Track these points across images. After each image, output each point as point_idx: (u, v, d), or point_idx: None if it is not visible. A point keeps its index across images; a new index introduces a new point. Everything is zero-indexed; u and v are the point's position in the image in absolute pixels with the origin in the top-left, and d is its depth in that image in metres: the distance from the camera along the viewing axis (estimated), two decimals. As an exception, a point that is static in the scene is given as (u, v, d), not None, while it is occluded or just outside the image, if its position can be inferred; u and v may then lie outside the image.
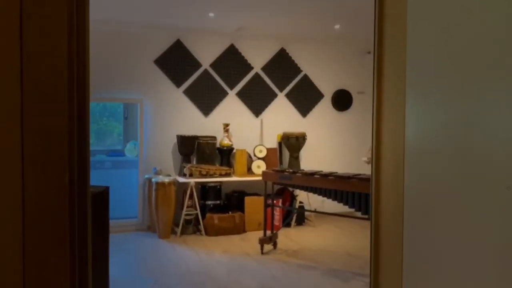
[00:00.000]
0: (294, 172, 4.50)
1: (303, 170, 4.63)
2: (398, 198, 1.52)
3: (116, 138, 6.83)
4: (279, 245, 5.12)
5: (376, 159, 1.67)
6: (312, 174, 4.34)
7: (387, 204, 1.61)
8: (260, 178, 5.83)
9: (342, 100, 6.95)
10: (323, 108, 6.86)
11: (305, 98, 6.74)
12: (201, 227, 5.66)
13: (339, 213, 5.14)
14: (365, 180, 3.90)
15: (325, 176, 4.22)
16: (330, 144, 6.90)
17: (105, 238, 1.98)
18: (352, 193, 4.06)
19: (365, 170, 6.06)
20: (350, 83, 6.97)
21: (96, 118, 6.69)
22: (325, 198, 4.41)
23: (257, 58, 6.46)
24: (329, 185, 4.19)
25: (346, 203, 4.14)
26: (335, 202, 4.28)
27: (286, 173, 4.57)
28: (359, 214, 4.18)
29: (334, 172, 4.35)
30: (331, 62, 6.86)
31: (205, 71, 6.20)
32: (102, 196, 1.88)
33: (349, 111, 7.01)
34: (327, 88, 6.87)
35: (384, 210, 1.64)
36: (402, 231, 1.51)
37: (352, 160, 6.96)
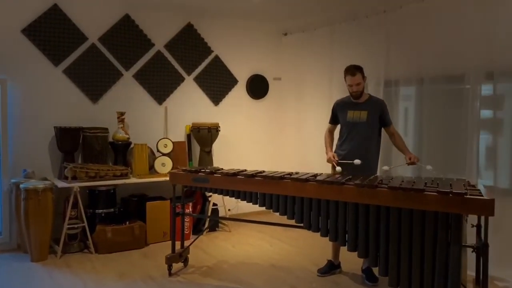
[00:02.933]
0: (211, 173, 3.56)
1: (222, 169, 3.71)
2: None
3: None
4: (190, 260, 4.15)
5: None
6: (234, 174, 3.44)
7: None
8: (165, 178, 4.80)
9: (258, 87, 6.14)
10: (238, 95, 6.00)
11: (217, 84, 5.80)
12: (90, 243, 4.45)
13: (261, 217, 4.32)
14: (301, 180, 3.10)
15: (251, 176, 3.35)
16: (247, 136, 6.06)
17: None
18: (285, 197, 3.24)
19: (292, 166, 5.34)
20: (266, 67, 6.20)
21: None
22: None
23: (159, 33, 5.36)
24: (256, 188, 3.33)
25: (277, 210, 3.31)
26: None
27: (201, 173, 3.61)
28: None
29: (260, 172, 3.50)
30: (246, 42, 6.01)
31: (93, 45, 4.94)
32: None
33: (266, 98, 6.23)
34: (241, 73, 6.01)
35: None
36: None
37: (273, 154, 6.22)
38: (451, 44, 4.04)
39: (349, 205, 2.95)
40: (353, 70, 3.66)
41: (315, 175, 3.29)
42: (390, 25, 4.61)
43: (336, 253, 3.97)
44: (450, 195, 2.58)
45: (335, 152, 3.84)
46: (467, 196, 2.54)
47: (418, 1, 4.26)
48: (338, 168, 3.46)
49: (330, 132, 3.99)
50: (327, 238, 3.10)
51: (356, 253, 2.95)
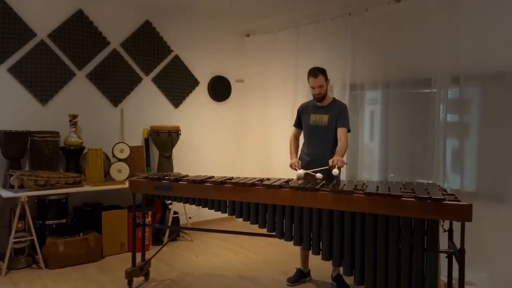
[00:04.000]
0: (176, 180, 3.32)
1: (187, 176, 3.49)
2: None
3: None
4: (152, 273, 3.88)
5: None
6: (202, 181, 3.22)
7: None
8: (122, 186, 4.52)
9: (220, 89, 5.95)
10: (199, 98, 5.77)
11: (177, 85, 5.55)
12: (39, 257, 4.07)
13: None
14: (275, 187, 2.95)
15: (220, 183, 3.15)
16: (208, 140, 5.85)
17: None
18: (256, 205, 3.07)
19: (255, 171, 5.18)
20: (228, 69, 6.01)
21: None
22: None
23: (115, 30, 5.04)
24: (225, 195, 3.14)
25: (247, 218, 3.14)
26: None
27: (164, 181, 3.36)
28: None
29: (229, 178, 3.31)
30: (207, 42, 5.79)
31: (42, 42, 4.55)
32: None
33: (229, 101, 6.04)
34: (202, 74, 5.79)
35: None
36: None
37: (235, 159, 6.03)
38: (417, 47, 4.03)
39: (323, 212, 2.83)
40: (315, 72, 3.57)
41: (288, 181, 3.15)
42: (355, 28, 4.57)
43: (305, 261, 3.85)
44: (429, 201, 2.52)
45: (299, 156, 3.74)
46: (446, 202, 2.49)
47: (383, 4, 4.24)
48: (319, 175, 3.25)
49: (296, 137, 3.86)
50: (293, 245, 2.97)
51: (331, 261, 2.84)
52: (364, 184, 3.01)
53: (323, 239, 2.85)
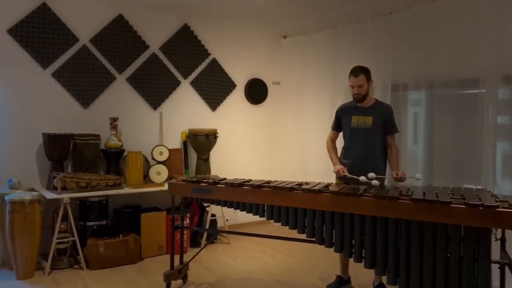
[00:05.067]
0: (214, 183, 3.30)
1: (224, 179, 3.46)
2: None
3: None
4: (190, 276, 3.88)
5: None
6: (240, 185, 3.18)
7: None
8: (161, 188, 4.55)
9: (256, 91, 5.91)
10: (236, 100, 5.75)
11: (214, 88, 5.55)
12: (80, 258, 4.15)
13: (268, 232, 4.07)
14: (314, 192, 2.87)
15: (258, 187, 3.10)
16: (245, 142, 5.82)
17: None
18: (295, 209, 3.00)
19: (291, 174, 5.10)
20: (265, 71, 5.97)
21: None
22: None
23: (154, 34, 5.10)
24: (263, 199, 3.08)
25: (286, 223, 3.07)
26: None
27: (203, 184, 3.34)
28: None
29: (267, 182, 3.25)
30: (244, 45, 5.78)
31: (84, 47, 4.66)
32: None
33: (265, 103, 6.00)
34: (239, 77, 5.77)
35: None
36: None
37: (272, 161, 5.98)
38: (463, 46, 3.85)
39: (366, 219, 2.72)
40: (356, 71, 3.45)
41: (327, 185, 3.06)
42: (397, 27, 4.41)
43: (345, 267, 3.73)
44: (481, 208, 2.37)
45: (339, 162, 3.61)
46: (500, 209, 2.33)
47: (427, 1, 4.07)
48: (362, 178, 3.14)
49: (332, 141, 3.75)
50: (333, 250, 2.88)
51: (374, 270, 2.73)
52: (409, 189, 2.88)
53: (365, 247, 2.74)
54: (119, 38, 4.85)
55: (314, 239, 2.98)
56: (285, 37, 5.98)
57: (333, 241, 2.89)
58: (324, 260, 4.41)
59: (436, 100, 4.11)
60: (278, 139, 6.03)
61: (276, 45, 5.99)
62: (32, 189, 4.24)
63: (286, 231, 3.20)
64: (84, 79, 4.67)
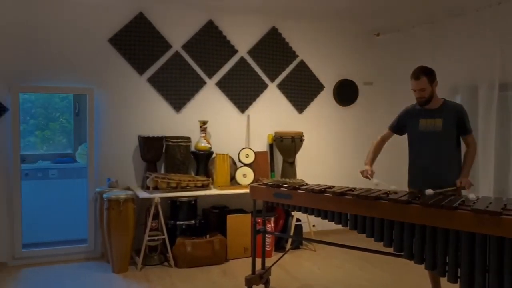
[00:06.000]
0: (294, 188, 3.20)
1: (306, 184, 3.35)
2: None
3: (66, 139, 5.44)
4: (272, 281, 3.82)
5: None
6: (321, 191, 3.05)
7: None
8: (246, 190, 4.56)
9: (346, 93, 5.68)
10: (323, 102, 5.59)
11: (301, 90, 5.45)
12: (170, 256, 4.32)
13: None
14: (402, 202, 2.63)
15: (340, 195, 2.94)
16: (332, 146, 5.63)
17: None
18: (381, 220, 2.78)
19: (386, 181, 4.77)
20: (356, 71, 5.72)
21: (42, 114, 5.29)
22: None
23: (243, 38, 5.15)
24: (346, 208, 2.91)
25: (371, 235, 2.86)
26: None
27: (283, 189, 3.27)
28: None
29: (350, 189, 3.07)
30: (333, 45, 5.59)
31: (176, 53, 4.86)
32: None
33: (355, 105, 5.74)
34: (328, 78, 5.60)
35: None
36: None
37: (360, 167, 5.68)
38: None
39: (462, 235, 2.42)
40: (417, 74, 3.15)
41: (418, 196, 2.79)
42: (506, 18, 3.92)
43: (436, 286, 3.40)
44: None
45: (408, 170, 3.37)
46: None
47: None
48: (375, 181, 2.90)
49: (383, 141, 3.54)
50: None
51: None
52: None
53: (461, 266, 2.44)
54: (209, 43, 4.98)
55: (402, 253, 2.74)
56: (378, 34, 5.66)
57: (424, 257, 2.62)
58: (416, 275, 4.06)
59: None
60: (368, 143, 5.71)
61: (368, 44, 5.70)
62: (128, 188, 4.52)
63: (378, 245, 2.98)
64: (177, 84, 4.87)
